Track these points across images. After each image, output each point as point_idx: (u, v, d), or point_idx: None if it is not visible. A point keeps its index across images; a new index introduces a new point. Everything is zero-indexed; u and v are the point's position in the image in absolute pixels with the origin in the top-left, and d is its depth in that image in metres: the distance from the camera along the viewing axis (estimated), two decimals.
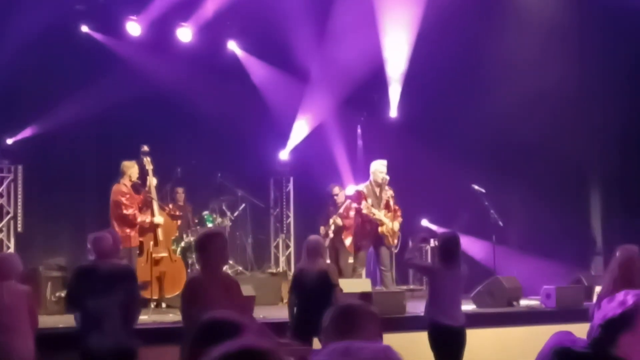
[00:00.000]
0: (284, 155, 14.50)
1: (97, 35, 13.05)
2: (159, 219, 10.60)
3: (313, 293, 7.55)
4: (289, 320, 7.91)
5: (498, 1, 13.38)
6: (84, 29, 12.93)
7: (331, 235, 11.84)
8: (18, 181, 12.13)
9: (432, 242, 12.41)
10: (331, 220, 11.89)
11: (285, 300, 9.83)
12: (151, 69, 13.05)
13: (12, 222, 12.04)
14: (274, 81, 14.35)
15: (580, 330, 3.08)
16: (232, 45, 14.34)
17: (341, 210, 11.96)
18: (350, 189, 12.74)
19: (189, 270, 11.36)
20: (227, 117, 13.55)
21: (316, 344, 6.44)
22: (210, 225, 12.32)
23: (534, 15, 13.17)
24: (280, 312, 9.26)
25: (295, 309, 7.81)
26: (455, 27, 12.91)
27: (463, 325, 7.37)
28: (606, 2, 12.60)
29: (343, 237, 11.86)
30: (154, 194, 10.60)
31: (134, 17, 12.78)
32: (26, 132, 12.33)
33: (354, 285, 9.61)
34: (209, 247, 5.86)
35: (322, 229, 11.81)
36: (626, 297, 2.99)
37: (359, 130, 15.21)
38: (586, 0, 12.89)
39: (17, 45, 11.51)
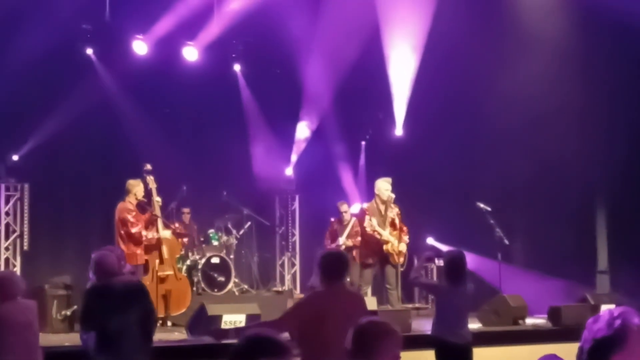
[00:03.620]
0: (289, 171, 14.50)
1: (103, 54, 13.06)
2: (166, 232, 10.61)
3: None
4: None
5: (503, 22, 13.41)
6: (89, 51, 12.94)
7: None
8: (24, 200, 12.15)
9: (437, 261, 12.39)
10: (341, 241, 11.71)
11: None
12: (157, 88, 13.10)
13: (18, 241, 12.06)
14: (279, 99, 14.38)
15: None
16: (237, 67, 14.33)
17: (350, 231, 11.87)
18: (356, 207, 12.72)
19: (194, 289, 11.36)
20: (232, 135, 13.59)
21: None
22: (215, 243, 12.32)
23: (538, 37, 13.18)
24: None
25: None
26: (461, 46, 12.94)
27: (470, 343, 7.36)
28: (612, 22, 12.61)
29: (354, 254, 11.72)
30: (158, 212, 10.60)
31: (140, 36, 12.83)
32: (31, 151, 12.34)
33: None
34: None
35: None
36: (613, 317, 2.97)
37: (362, 148, 15.20)
38: (591, 21, 12.90)
39: (22, 63, 11.53)
